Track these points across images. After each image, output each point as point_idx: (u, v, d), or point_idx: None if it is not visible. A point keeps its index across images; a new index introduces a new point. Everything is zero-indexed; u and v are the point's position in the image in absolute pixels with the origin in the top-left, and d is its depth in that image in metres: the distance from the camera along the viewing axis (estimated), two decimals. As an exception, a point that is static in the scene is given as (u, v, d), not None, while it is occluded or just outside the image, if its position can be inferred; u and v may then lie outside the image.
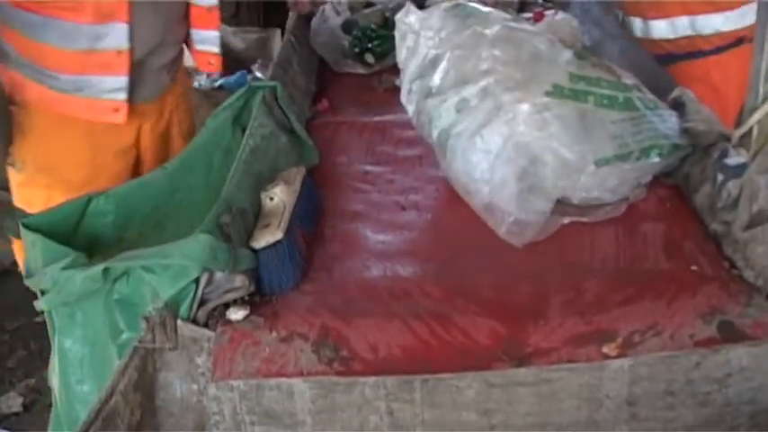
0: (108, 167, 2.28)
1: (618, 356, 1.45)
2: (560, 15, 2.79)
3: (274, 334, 1.52)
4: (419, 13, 1.94)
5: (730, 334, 1.48)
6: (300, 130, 2.06)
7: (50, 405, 1.80)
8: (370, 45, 2.69)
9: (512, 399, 1.45)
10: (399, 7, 2.06)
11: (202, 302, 1.52)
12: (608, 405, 1.46)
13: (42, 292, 1.60)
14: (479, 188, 1.76)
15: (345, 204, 1.94)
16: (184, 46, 2.43)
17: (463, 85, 1.78)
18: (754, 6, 2.56)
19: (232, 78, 3.63)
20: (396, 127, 2.24)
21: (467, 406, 1.46)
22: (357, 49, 2.70)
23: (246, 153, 1.79)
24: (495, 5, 2.81)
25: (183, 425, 1.52)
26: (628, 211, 1.83)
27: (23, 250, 1.65)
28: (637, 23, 2.83)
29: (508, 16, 1.96)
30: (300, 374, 1.47)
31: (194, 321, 1.52)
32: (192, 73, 3.11)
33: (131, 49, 2.14)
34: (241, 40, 4.19)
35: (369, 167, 2.11)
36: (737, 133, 1.80)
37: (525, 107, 1.72)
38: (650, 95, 1.90)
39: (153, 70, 2.27)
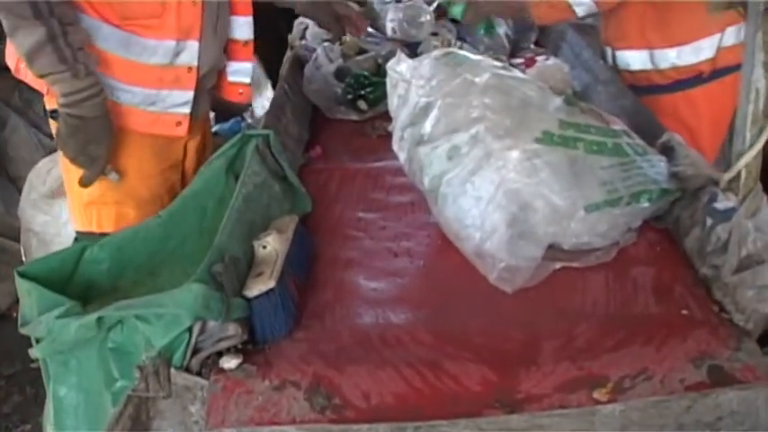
0: (168, 181, 2.34)
1: (609, 402, 1.45)
2: (551, 61, 2.81)
3: (267, 382, 1.52)
4: (410, 61, 1.96)
5: (720, 378, 1.48)
6: (293, 177, 2.07)
7: (46, 452, 1.80)
8: (363, 92, 2.71)
9: (504, 445, 1.46)
10: (392, 54, 2.09)
11: (196, 351, 1.53)
12: (600, 450, 1.47)
13: (38, 340, 1.60)
14: (471, 234, 1.78)
15: (338, 251, 1.95)
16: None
17: (454, 133, 1.81)
18: (710, 41, 2.66)
19: (226, 125, 3.64)
20: (388, 173, 2.26)
21: (459, 452, 1.46)
22: (350, 96, 2.72)
23: (239, 201, 1.80)
24: (487, 51, 2.87)
25: (176, 473, 1.52)
26: (618, 255, 1.84)
27: (19, 298, 1.66)
28: (608, 52, 2.92)
29: (498, 64, 1.98)
30: (293, 422, 1.46)
31: (188, 370, 1.52)
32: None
33: (198, 67, 2.22)
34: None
35: (361, 214, 2.12)
36: (726, 177, 1.82)
37: (515, 154, 1.74)
38: (639, 141, 1.92)
39: (204, 90, 2.33)
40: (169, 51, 2.14)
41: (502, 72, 1.91)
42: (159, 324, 1.49)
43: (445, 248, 1.89)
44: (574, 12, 2.62)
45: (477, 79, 1.86)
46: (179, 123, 2.23)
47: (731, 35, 2.64)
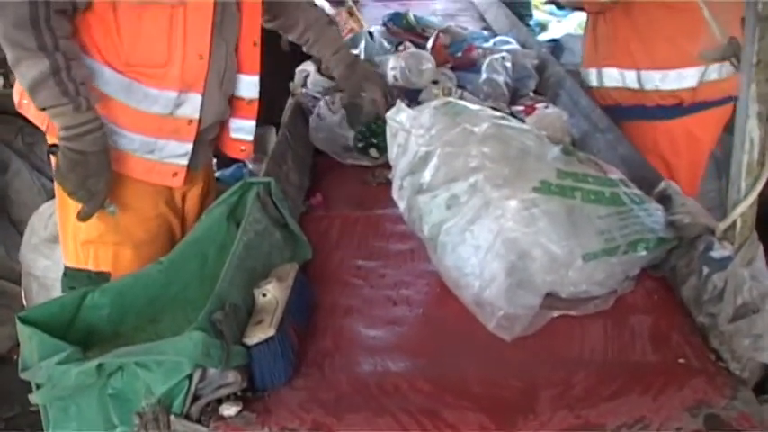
0: (166, 224, 2.37)
1: (606, 451, 1.46)
2: (551, 109, 2.84)
3: (266, 430, 1.53)
4: (409, 111, 1.98)
5: (717, 427, 1.49)
6: (294, 225, 2.09)
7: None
8: (374, 140, 2.72)
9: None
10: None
11: (195, 398, 1.53)
12: (597, 499, 1.47)
13: (38, 386, 1.61)
14: (470, 283, 1.79)
15: (338, 299, 1.96)
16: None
17: (453, 182, 1.82)
18: (693, 71, 2.76)
19: (228, 172, 3.67)
20: (388, 221, 2.27)
21: (458, 500, 1.46)
22: (361, 144, 2.73)
23: (240, 249, 1.81)
24: (487, 99, 2.90)
25: None
26: (616, 303, 1.86)
27: (20, 343, 1.67)
28: (592, 74, 3.07)
29: (497, 114, 2.00)
30: (292, 469, 1.48)
31: (187, 417, 1.52)
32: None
33: (200, 120, 2.23)
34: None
35: (361, 262, 2.13)
36: (722, 226, 1.84)
37: (513, 203, 1.76)
38: (636, 190, 1.94)
39: (205, 143, 2.36)
40: (170, 102, 2.16)
41: (500, 122, 1.93)
42: (159, 371, 1.50)
43: (444, 297, 1.90)
44: None
45: (475, 129, 1.88)
46: (175, 174, 2.24)
47: (714, 71, 2.74)
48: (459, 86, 3.06)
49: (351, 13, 3.31)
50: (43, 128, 2.19)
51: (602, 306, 1.84)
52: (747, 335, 1.61)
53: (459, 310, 1.84)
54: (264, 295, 1.71)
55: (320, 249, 2.17)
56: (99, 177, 2.05)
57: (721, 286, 1.72)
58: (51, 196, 3.97)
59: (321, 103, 2.88)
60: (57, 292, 3.22)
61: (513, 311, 1.75)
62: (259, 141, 2.62)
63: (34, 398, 1.62)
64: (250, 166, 3.43)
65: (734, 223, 1.81)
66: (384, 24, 3.81)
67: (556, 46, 4.40)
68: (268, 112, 2.48)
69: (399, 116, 1.98)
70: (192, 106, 2.19)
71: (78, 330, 1.73)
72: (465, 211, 1.79)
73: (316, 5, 2.88)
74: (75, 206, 2.14)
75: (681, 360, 1.67)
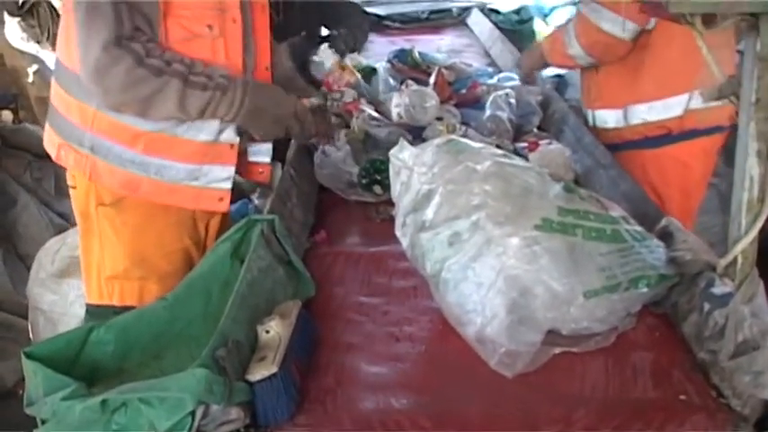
0: (189, 257, 2.43)
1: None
2: (554, 145, 2.85)
3: (269, 466, 1.54)
4: (412, 149, 1.99)
5: (718, 464, 1.50)
6: (298, 262, 2.10)
7: None
8: (378, 177, 2.72)
9: None
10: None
11: (199, 434, 1.55)
12: None
13: (43, 421, 1.62)
14: (472, 319, 1.80)
15: (340, 336, 1.97)
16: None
17: (455, 220, 1.83)
18: (678, 100, 2.84)
19: (233, 207, 3.68)
20: (391, 258, 2.27)
21: None
22: (365, 181, 2.74)
23: (244, 286, 1.83)
24: (491, 135, 2.92)
25: None
26: (617, 340, 1.86)
27: (25, 378, 1.69)
28: (589, 115, 3.18)
29: (499, 152, 2.02)
30: (295, 506, 1.48)
31: (190, 453, 1.54)
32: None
33: (240, 144, 2.32)
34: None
35: (364, 298, 2.14)
36: (723, 263, 1.85)
37: (515, 241, 1.77)
38: (637, 227, 1.95)
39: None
40: (214, 128, 2.23)
41: (503, 160, 1.94)
42: (162, 407, 1.51)
43: (447, 334, 1.91)
44: (576, 61, 3.08)
45: (478, 167, 1.89)
46: (221, 199, 2.33)
47: (699, 98, 2.76)
48: (464, 123, 3.09)
49: (343, 68, 3.34)
50: (86, 177, 2.26)
51: (604, 343, 1.85)
52: (748, 371, 1.62)
53: (462, 346, 1.85)
54: (268, 332, 1.73)
55: (323, 286, 2.18)
56: (282, 103, 2.31)
57: (722, 323, 1.73)
58: (59, 231, 4.02)
59: (325, 141, 2.89)
60: (63, 326, 3.25)
61: (514, 348, 1.75)
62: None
63: (39, 435, 1.63)
64: (255, 201, 3.44)
65: (735, 260, 1.83)
66: (389, 61, 3.84)
67: (560, 81, 4.41)
68: (274, 148, 2.50)
69: (402, 154, 1.99)
70: (232, 130, 2.27)
71: (83, 366, 1.74)
72: (467, 248, 1.80)
73: None
74: (99, 242, 2.24)
75: (682, 397, 1.68)
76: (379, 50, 4.50)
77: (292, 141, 3.06)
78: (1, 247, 4.37)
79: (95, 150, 2.23)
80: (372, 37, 5.12)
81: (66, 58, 2.23)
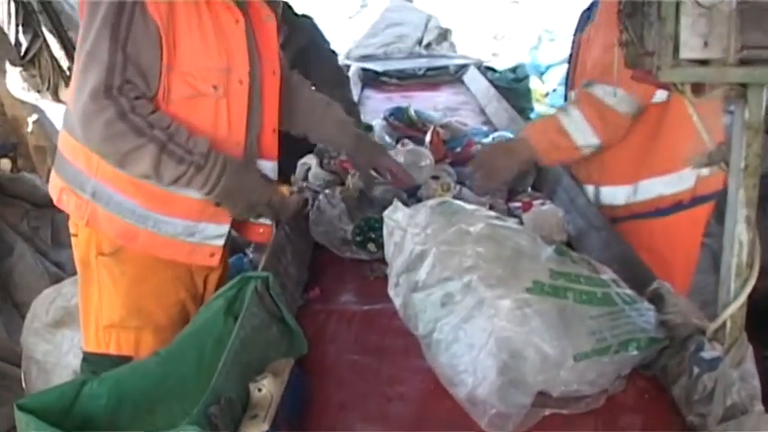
0: (186, 311, 2.45)
1: None
2: (547, 206, 2.87)
3: None
4: (406, 210, 2.02)
5: None
6: (291, 320, 2.11)
7: None
8: (373, 235, 2.74)
9: None
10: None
11: (190, 492, 1.55)
12: None
13: (35, 475, 1.63)
14: (463, 380, 1.81)
15: (332, 395, 1.97)
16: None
17: (448, 281, 1.86)
18: (691, 171, 2.80)
19: (229, 261, 3.69)
20: (384, 316, 2.28)
21: None
22: (359, 239, 2.76)
23: (237, 343, 1.83)
24: (485, 195, 2.94)
25: None
26: (607, 402, 1.87)
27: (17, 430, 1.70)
28: (590, 190, 3.06)
29: (492, 214, 2.05)
30: None
31: None
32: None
33: None
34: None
35: (357, 357, 2.15)
36: (712, 327, 1.87)
37: (507, 303, 1.78)
38: (627, 290, 1.97)
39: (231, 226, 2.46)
40: None
41: (495, 222, 1.97)
42: (154, 464, 1.52)
43: (439, 394, 1.91)
44: (581, 152, 2.84)
45: (471, 229, 1.92)
46: (212, 255, 2.37)
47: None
48: (459, 182, 3.10)
49: None
50: (84, 222, 2.29)
51: (594, 405, 1.85)
52: (736, 436, 1.63)
53: (453, 407, 1.85)
54: (260, 390, 1.74)
55: (316, 343, 2.18)
56: (255, 192, 2.30)
57: (711, 387, 1.74)
58: (54, 281, 4.03)
59: (321, 196, 2.92)
60: (56, 376, 3.25)
61: (505, 410, 1.76)
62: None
63: (29, 488, 1.63)
64: (251, 255, 3.45)
65: (724, 324, 1.84)
66: (385, 119, 3.88)
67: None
68: (280, 171, 2.54)
69: (396, 215, 2.02)
70: None
71: (76, 418, 1.74)
72: (459, 309, 1.82)
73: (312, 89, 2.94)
74: (98, 291, 2.27)
75: (671, 460, 1.69)
76: (375, 107, 4.54)
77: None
78: (-3, 295, 4.39)
79: (97, 197, 2.26)
80: (369, 92, 5.18)
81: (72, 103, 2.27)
